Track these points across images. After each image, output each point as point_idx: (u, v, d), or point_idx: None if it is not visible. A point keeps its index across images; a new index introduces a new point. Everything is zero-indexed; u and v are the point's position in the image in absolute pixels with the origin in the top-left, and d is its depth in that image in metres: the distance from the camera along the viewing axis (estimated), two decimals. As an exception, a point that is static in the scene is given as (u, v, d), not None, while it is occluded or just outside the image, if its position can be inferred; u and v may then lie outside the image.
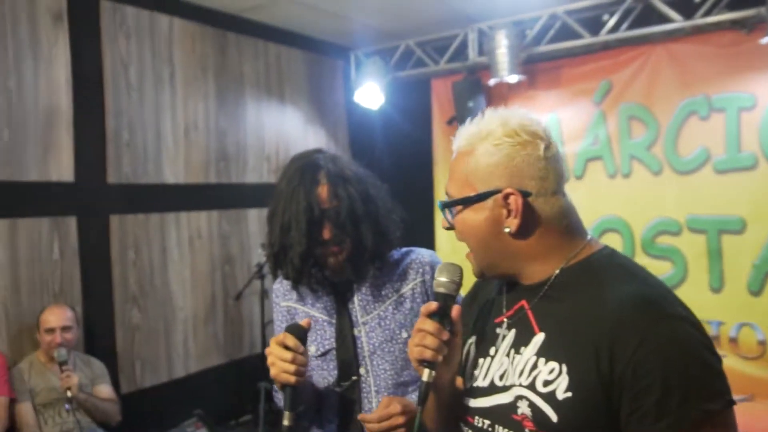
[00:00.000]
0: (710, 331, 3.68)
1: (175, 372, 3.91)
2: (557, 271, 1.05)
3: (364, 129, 5.00)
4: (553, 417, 0.96)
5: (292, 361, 1.29)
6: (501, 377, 1.07)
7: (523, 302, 1.08)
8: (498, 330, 1.12)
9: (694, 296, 3.71)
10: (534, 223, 1.04)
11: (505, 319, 1.11)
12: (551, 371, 0.98)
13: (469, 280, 1.22)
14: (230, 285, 4.25)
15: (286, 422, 1.31)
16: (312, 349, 1.50)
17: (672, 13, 3.71)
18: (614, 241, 4.03)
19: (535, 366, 1.01)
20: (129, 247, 3.67)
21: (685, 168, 3.80)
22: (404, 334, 1.47)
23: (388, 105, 4.73)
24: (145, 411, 3.65)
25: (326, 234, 1.41)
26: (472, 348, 1.18)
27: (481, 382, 1.10)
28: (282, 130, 4.61)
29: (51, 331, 3.03)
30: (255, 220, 4.43)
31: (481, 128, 1.07)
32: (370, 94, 4.62)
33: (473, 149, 1.06)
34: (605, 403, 0.93)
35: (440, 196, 4.85)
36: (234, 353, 4.27)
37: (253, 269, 4.15)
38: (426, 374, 1.06)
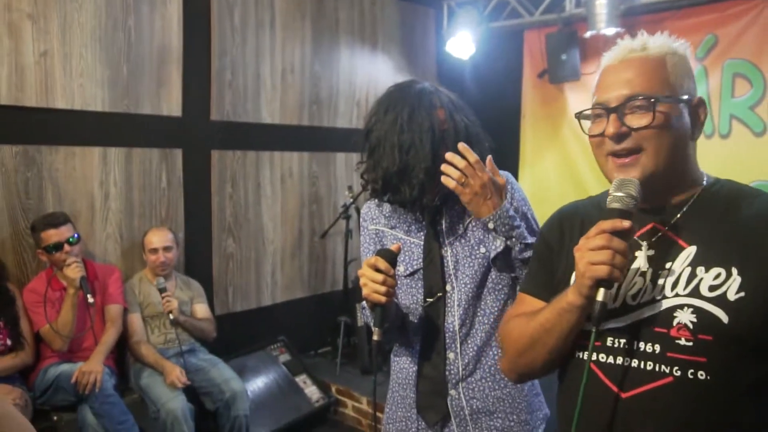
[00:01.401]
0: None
1: (263, 300, 4.21)
2: (697, 195, 1.10)
3: (454, 79, 5.00)
4: (724, 318, 0.99)
5: (383, 283, 1.40)
6: (634, 297, 1.08)
7: (652, 224, 1.11)
8: (632, 250, 1.11)
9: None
10: (696, 139, 1.11)
11: (639, 239, 1.11)
12: (716, 276, 1.01)
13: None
14: (317, 223, 4.48)
15: (375, 337, 1.43)
16: (401, 269, 1.59)
17: (792, -37, 3.47)
18: (705, 204, 3.91)
19: (692, 275, 1.04)
20: (227, 181, 3.94)
21: (791, 130, 3.60)
22: (482, 249, 1.55)
23: (479, 56, 4.70)
24: (236, 333, 3.97)
25: (443, 152, 1.48)
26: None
27: (622, 301, 1.09)
28: (372, 76, 4.71)
29: (155, 251, 3.35)
30: (342, 163, 4.60)
31: (665, 41, 1.12)
32: (462, 44, 4.60)
33: (673, 51, 1.10)
34: None
35: (527, 150, 4.83)
36: (317, 288, 4.52)
37: (339, 210, 4.34)
38: (602, 294, 1.00)
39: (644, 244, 1.11)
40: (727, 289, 1.00)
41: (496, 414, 1.56)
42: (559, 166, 4.67)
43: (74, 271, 2.87)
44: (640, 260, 1.10)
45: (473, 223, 1.56)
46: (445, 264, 1.57)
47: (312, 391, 3.89)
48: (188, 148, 3.75)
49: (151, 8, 3.48)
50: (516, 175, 4.74)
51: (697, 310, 1.01)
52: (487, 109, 4.70)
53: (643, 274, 1.09)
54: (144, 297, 3.36)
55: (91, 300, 2.88)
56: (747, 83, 3.77)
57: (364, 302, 1.52)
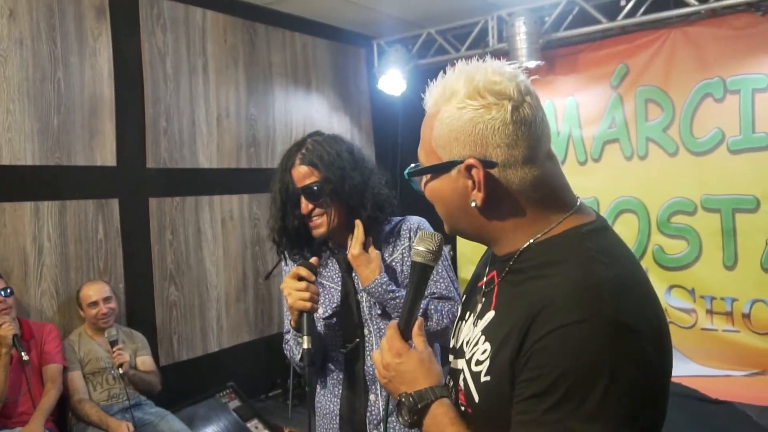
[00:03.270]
0: (724, 307, 3.79)
1: (210, 346, 4.13)
2: (524, 247, 0.95)
3: (387, 115, 5.15)
4: (476, 397, 0.95)
5: (306, 289, 1.48)
6: (466, 343, 1.03)
7: (494, 273, 1.02)
8: (477, 295, 1.07)
9: (709, 273, 3.83)
10: (502, 196, 0.93)
11: (484, 285, 1.05)
12: (484, 352, 0.94)
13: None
14: (260, 264, 4.46)
15: (305, 345, 1.47)
16: (320, 312, 1.65)
17: (688, -2, 3.80)
18: (631, 222, 4.15)
19: (476, 343, 0.97)
20: (166, 228, 3.89)
21: (700, 149, 3.89)
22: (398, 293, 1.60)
23: (410, 92, 4.87)
24: (183, 382, 3.87)
25: (303, 209, 1.59)
26: (459, 308, 1.16)
27: (454, 343, 1.09)
28: (308, 116, 4.79)
29: (94, 304, 3.26)
30: (283, 203, 4.61)
31: (446, 87, 0.95)
32: (393, 81, 4.77)
33: (438, 112, 0.95)
34: (510, 391, 0.88)
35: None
36: (264, 330, 4.47)
37: (283, 250, 4.34)
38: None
39: (481, 293, 1.04)
40: (482, 369, 0.93)
41: None
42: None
43: (5, 330, 2.76)
44: (479, 307, 1.03)
45: (388, 271, 1.63)
46: (362, 309, 1.63)
47: (265, 436, 3.82)
48: (125, 197, 3.69)
49: (81, 59, 3.46)
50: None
51: (464, 380, 0.98)
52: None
53: (474, 324, 1.02)
54: (84, 353, 3.25)
55: (26, 358, 2.77)
56: (658, 108, 4.07)
57: (287, 335, 1.60)
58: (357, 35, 5.17)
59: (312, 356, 1.50)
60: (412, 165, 1.03)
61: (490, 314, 0.97)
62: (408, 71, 4.78)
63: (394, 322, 1.09)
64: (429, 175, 0.99)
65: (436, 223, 1.26)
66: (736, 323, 3.74)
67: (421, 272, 1.09)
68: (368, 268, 1.56)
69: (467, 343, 1.01)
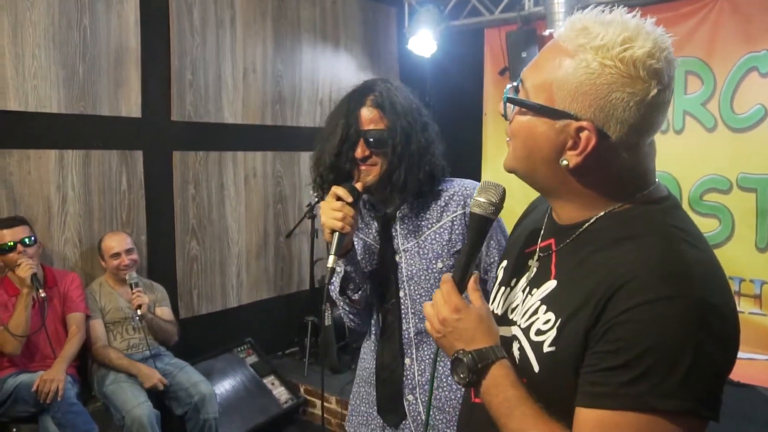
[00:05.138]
0: (752, 290, 3.69)
1: (229, 302, 4.16)
2: (595, 218, 0.92)
3: (416, 77, 5.03)
4: (536, 367, 0.91)
5: (340, 209, 1.43)
6: (513, 311, 1.01)
7: (552, 240, 0.98)
8: (528, 261, 1.03)
9: (739, 255, 3.72)
10: (596, 168, 0.89)
11: (538, 251, 1.01)
12: (546, 321, 0.91)
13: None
14: (282, 223, 4.45)
15: (330, 264, 1.42)
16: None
17: (739, -36, 3.60)
18: (661, 197, 4.03)
19: (535, 312, 0.94)
20: (189, 183, 3.88)
21: (740, 125, 3.73)
22: (439, 265, 1.53)
23: (440, 54, 4.75)
24: (202, 335, 3.92)
25: (359, 152, 1.49)
26: (501, 272, 1.12)
27: (497, 309, 1.07)
28: (335, 75, 4.70)
29: (116, 255, 3.28)
30: (306, 162, 4.50)
31: (600, 32, 0.84)
32: (423, 42, 4.64)
33: (575, 52, 0.85)
34: (577, 363, 0.85)
35: (489, 148, 4.89)
36: (284, 288, 4.49)
37: (304, 209, 4.32)
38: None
39: (535, 258, 1.01)
40: (546, 339, 0.90)
41: (454, 421, 1.56)
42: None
43: (24, 270, 2.80)
44: (530, 274, 1.01)
45: (431, 237, 1.56)
46: (399, 271, 1.57)
47: (280, 392, 3.87)
48: (149, 149, 3.68)
49: (107, 7, 3.40)
50: (478, 173, 4.81)
51: (521, 349, 0.95)
52: (449, 107, 4.80)
53: (524, 290, 1.01)
54: (105, 303, 3.29)
55: (43, 294, 2.83)
56: (699, 80, 3.90)
57: (328, 302, 1.55)
58: (388, -7, 5.03)
59: (346, 291, 1.50)
60: (511, 85, 0.94)
61: (551, 284, 0.94)
62: (439, 32, 4.64)
63: (448, 275, 1.03)
64: (527, 110, 0.91)
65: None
66: (764, 306, 3.65)
67: (480, 225, 1.04)
68: None
69: (520, 311, 0.98)
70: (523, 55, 4.34)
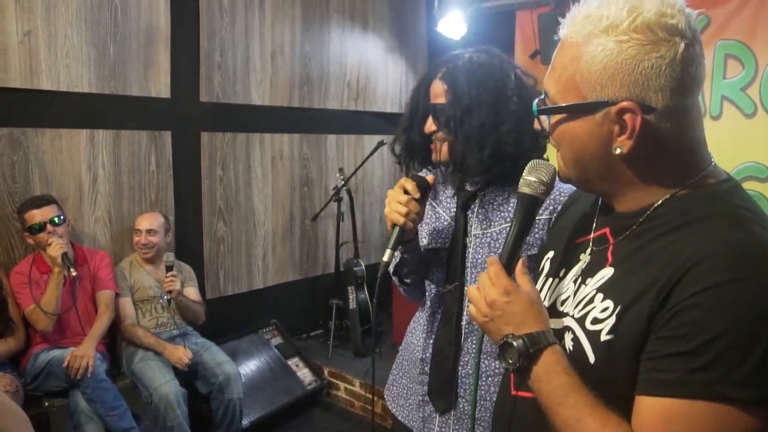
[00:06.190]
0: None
1: (255, 283, 4.19)
2: (659, 202, 0.87)
3: (444, 60, 4.96)
4: (591, 357, 0.87)
5: (406, 204, 1.38)
6: (563, 302, 0.97)
7: (607, 229, 0.94)
8: (578, 252, 1.00)
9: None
10: (651, 145, 0.84)
11: (591, 241, 0.97)
12: (604, 310, 0.87)
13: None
14: (308, 206, 4.45)
15: (385, 258, 1.38)
16: (424, 242, 1.55)
17: (786, -57, 3.45)
18: (696, 185, 3.92)
19: (591, 301, 0.90)
20: (217, 164, 3.90)
21: (781, 112, 3.61)
22: None
23: (470, 36, 4.65)
24: (227, 316, 3.96)
25: (426, 128, 1.46)
26: (547, 264, 1.08)
27: (544, 302, 1.02)
28: (363, 57, 4.66)
29: (138, 232, 3.33)
30: (333, 145, 4.56)
31: (603, 13, 0.82)
32: (453, 24, 4.55)
33: (587, 41, 0.83)
34: (638, 351, 0.81)
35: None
36: (309, 271, 4.50)
37: (331, 192, 4.31)
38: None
39: (589, 249, 0.98)
40: (603, 327, 0.86)
41: None
42: (553, 147, 4.65)
43: (55, 249, 2.83)
44: (582, 265, 0.98)
45: (507, 230, 1.50)
46: (467, 254, 1.50)
47: (304, 374, 3.89)
48: (177, 130, 3.69)
49: (138, -13, 3.41)
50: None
51: (575, 339, 0.90)
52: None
53: (576, 281, 0.97)
54: (135, 281, 3.33)
55: (74, 273, 2.86)
56: (739, 64, 3.76)
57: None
58: (418, -26, 4.95)
59: (399, 273, 1.49)
60: (539, 98, 0.92)
61: (607, 271, 0.90)
62: (470, 14, 4.56)
63: (495, 257, 0.99)
64: (564, 115, 0.88)
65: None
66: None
67: (529, 205, 1.00)
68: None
69: (572, 302, 0.94)
70: (556, 38, 4.22)
